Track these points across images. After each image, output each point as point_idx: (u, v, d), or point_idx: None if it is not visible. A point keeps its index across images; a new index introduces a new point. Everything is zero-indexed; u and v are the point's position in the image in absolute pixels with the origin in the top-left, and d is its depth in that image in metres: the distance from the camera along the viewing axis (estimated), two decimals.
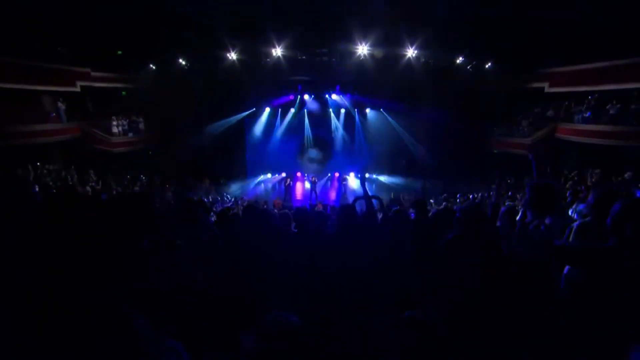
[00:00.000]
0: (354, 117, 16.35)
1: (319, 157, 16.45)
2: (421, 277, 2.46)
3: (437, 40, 12.14)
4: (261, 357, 1.31)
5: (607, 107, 11.04)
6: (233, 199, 13.18)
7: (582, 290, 1.93)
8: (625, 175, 9.48)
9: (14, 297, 1.14)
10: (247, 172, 16.45)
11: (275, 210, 5.91)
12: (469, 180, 13.62)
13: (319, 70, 13.87)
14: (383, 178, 16.13)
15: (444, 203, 10.98)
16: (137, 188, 12.46)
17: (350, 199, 12.10)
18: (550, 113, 13.04)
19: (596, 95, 11.62)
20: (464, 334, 2.00)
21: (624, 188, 7.96)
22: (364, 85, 14.84)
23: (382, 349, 2.05)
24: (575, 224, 2.37)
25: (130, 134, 14.01)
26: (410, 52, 12.80)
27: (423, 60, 13.30)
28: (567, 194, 7.57)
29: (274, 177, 16.54)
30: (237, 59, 13.14)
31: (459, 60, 13.34)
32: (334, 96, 15.62)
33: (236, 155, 15.95)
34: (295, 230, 3.30)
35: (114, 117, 13.46)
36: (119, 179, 12.75)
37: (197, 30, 11.72)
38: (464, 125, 13.55)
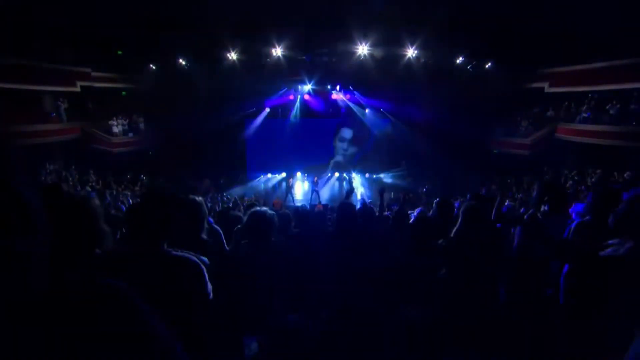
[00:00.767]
0: (353, 117, 16.36)
1: (350, 136, 16.39)
2: (422, 277, 2.46)
3: (437, 40, 12.15)
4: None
5: (607, 107, 11.05)
6: (233, 199, 13.17)
7: (585, 291, 1.93)
8: (625, 175, 9.49)
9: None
10: (247, 172, 16.47)
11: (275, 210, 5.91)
12: (468, 180, 13.62)
13: (319, 70, 13.88)
14: (383, 177, 16.16)
15: (456, 202, 10.91)
16: (137, 188, 12.46)
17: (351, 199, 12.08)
18: (550, 113, 13.05)
19: (596, 95, 11.62)
20: (462, 334, 2.01)
21: (624, 188, 7.96)
22: (364, 85, 14.86)
23: (380, 347, 2.06)
24: (573, 224, 2.38)
25: (131, 134, 14.02)
26: (410, 52, 12.81)
27: (423, 60, 13.32)
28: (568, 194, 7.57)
29: (274, 177, 16.55)
30: (237, 59, 13.16)
31: (459, 60, 13.35)
32: (334, 96, 15.64)
33: (236, 155, 15.95)
34: (296, 230, 3.31)
35: (114, 117, 13.48)
36: (119, 179, 12.76)
37: (197, 30, 11.73)
38: (463, 125, 13.56)
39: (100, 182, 11.93)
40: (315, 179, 15.03)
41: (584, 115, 11.63)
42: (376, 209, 3.60)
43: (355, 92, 15.45)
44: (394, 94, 14.45)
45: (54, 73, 11.65)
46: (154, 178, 13.77)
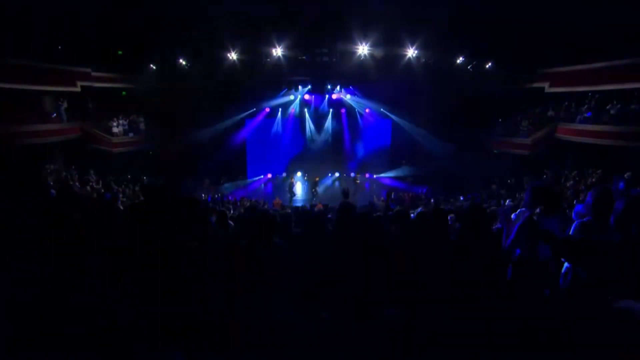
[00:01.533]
0: (354, 117, 16.37)
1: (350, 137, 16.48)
2: (422, 277, 2.46)
3: (437, 40, 12.15)
4: None
5: (608, 107, 11.04)
6: (233, 199, 13.19)
7: (582, 287, 1.94)
8: (625, 175, 9.47)
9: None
10: (247, 172, 16.47)
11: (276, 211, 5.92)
12: (468, 180, 13.63)
13: (319, 70, 13.88)
14: (383, 176, 16.18)
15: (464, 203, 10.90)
16: (137, 188, 12.46)
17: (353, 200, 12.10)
18: (550, 113, 13.04)
19: (596, 95, 11.62)
20: (459, 333, 2.01)
21: (624, 188, 7.97)
22: (364, 85, 14.86)
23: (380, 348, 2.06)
24: (574, 224, 2.39)
25: (131, 134, 14.01)
26: (410, 52, 12.81)
27: (423, 60, 13.32)
28: (568, 194, 7.58)
29: (274, 177, 16.56)
30: (238, 59, 13.16)
31: (459, 60, 13.35)
32: (334, 96, 15.64)
33: (236, 155, 15.96)
34: (297, 230, 3.31)
35: (114, 117, 13.47)
36: (119, 179, 12.75)
37: (198, 30, 11.73)
38: (464, 126, 13.56)
39: (100, 182, 11.93)
40: (316, 179, 15.06)
41: (584, 115, 11.62)
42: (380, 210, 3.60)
43: (355, 92, 15.45)
44: (394, 94, 14.44)
45: (54, 73, 11.64)
46: (154, 178, 13.76)
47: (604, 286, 1.70)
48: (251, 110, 15.75)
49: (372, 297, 2.30)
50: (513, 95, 13.45)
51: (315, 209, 7.99)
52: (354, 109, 16.09)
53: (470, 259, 2.26)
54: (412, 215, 3.83)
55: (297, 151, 16.60)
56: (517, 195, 10.61)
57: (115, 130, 13.36)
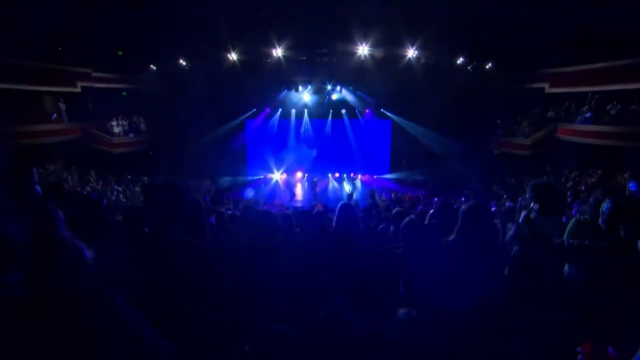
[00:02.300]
0: (354, 117, 16.36)
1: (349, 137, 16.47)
2: (423, 277, 2.46)
3: (437, 40, 12.15)
4: None
5: (608, 107, 11.04)
6: (233, 200, 13.18)
7: (580, 289, 1.94)
8: (625, 175, 9.47)
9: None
10: (247, 172, 16.47)
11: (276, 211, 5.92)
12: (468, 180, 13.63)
13: (319, 70, 13.88)
14: (384, 177, 16.18)
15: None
16: (137, 188, 12.46)
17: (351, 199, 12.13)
18: (550, 113, 13.04)
19: (597, 95, 11.62)
20: (459, 334, 2.01)
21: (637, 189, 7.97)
22: (364, 85, 14.86)
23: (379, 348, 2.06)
24: (570, 223, 2.39)
25: (131, 135, 14.02)
26: (410, 52, 12.82)
27: (423, 60, 13.32)
28: (568, 194, 7.57)
29: (273, 177, 16.55)
30: (238, 60, 13.17)
31: (459, 60, 13.35)
32: (334, 96, 15.63)
33: (236, 155, 15.96)
34: (297, 231, 3.31)
35: (114, 118, 13.48)
36: (119, 179, 12.76)
37: (198, 31, 11.74)
38: (464, 126, 13.56)
39: (101, 182, 11.94)
40: (315, 179, 15.05)
41: (585, 115, 11.62)
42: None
43: (355, 92, 15.44)
44: (394, 95, 14.45)
45: (54, 73, 11.65)
46: (154, 178, 13.76)
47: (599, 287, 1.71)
48: (251, 111, 15.76)
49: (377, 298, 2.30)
50: (513, 95, 13.46)
51: (315, 209, 7.99)
52: (354, 109, 16.09)
53: (470, 259, 2.25)
54: (412, 215, 3.83)
55: (296, 151, 16.59)
56: (518, 198, 10.61)
57: (115, 130, 13.37)
